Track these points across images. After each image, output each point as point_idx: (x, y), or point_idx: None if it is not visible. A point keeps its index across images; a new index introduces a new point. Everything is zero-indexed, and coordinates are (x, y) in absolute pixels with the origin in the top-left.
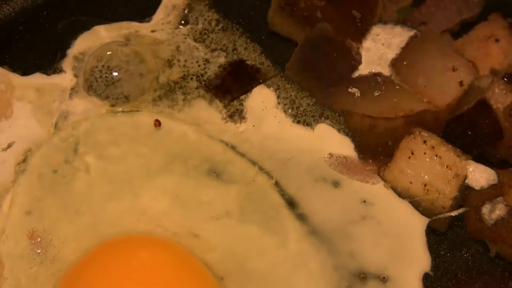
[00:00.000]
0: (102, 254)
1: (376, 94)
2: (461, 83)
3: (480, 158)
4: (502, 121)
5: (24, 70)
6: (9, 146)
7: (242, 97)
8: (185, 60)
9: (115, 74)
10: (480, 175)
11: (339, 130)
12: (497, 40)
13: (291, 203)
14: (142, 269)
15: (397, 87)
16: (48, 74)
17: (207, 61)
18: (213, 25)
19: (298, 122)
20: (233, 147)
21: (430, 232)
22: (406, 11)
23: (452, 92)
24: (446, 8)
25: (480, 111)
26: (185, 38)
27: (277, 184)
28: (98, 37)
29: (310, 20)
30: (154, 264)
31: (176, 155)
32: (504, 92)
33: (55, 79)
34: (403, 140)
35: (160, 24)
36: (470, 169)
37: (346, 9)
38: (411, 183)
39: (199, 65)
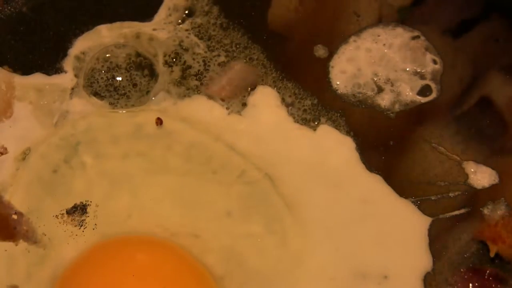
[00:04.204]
0: (100, 253)
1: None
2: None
3: (481, 158)
4: (505, 115)
5: (25, 70)
6: (7, 148)
7: (244, 96)
8: (186, 59)
9: (115, 74)
10: (481, 175)
11: (340, 130)
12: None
13: (291, 203)
14: (139, 270)
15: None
16: (49, 74)
17: (207, 60)
18: (214, 25)
19: (300, 121)
20: (233, 146)
21: (431, 232)
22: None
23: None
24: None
25: (482, 108)
26: (187, 37)
27: (277, 183)
28: (100, 37)
29: (310, 15)
30: (151, 264)
31: (176, 154)
32: (505, 85)
33: (55, 79)
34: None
35: (162, 24)
36: (471, 169)
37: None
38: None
39: (199, 64)
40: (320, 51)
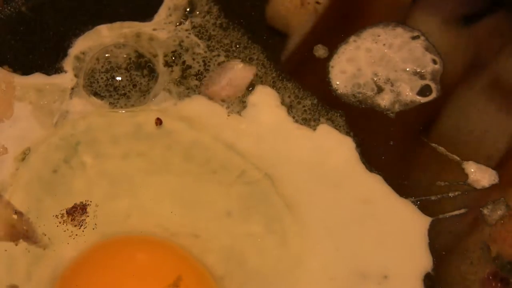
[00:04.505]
0: (100, 253)
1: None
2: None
3: (481, 158)
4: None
5: (25, 70)
6: (8, 147)
7: (244, 95)
8: (186, 59)
9: (115, 74)
10: (481, 175)
11: (340, 130)
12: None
13: (291, 203)
14: (139, 270)
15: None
16: (49, 74)
17: (207, 60)
18: (214, 25)
19: (300, 121)
20: (233, 146)
21: (431, 232)
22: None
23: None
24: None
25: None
26: (187, 37)
27: (277, 183)
28: (100, 37)
29: (310, 15)
30: (151, 264)
31: (176, 154)
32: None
33: (55, 79)
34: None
35: (162, 24)
36: (471, 169)
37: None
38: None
39: (199, 64)
40: (320, 51)
